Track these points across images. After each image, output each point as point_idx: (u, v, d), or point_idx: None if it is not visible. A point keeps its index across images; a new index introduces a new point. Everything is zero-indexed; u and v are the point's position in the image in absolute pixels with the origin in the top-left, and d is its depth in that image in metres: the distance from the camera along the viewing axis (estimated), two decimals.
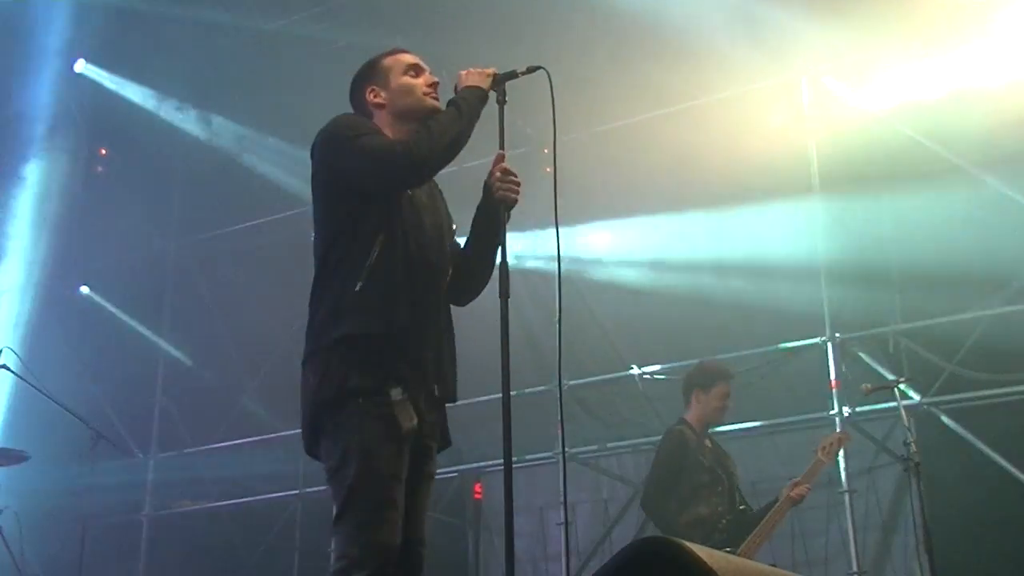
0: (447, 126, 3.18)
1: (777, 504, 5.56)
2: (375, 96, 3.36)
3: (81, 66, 9.19)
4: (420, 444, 3.13)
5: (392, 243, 3.13)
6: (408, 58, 3.41)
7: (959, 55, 6.89)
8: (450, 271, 3.34)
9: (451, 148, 3.18)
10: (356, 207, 3.17)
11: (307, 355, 3.14)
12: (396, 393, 3.03)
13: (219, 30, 8.67)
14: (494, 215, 3.29)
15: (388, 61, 3.41)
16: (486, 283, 3.37)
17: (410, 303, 3.11)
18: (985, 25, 6.75)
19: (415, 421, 3.05)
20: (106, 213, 9.65)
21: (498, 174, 3.31)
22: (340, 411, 3.02)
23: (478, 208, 3.39)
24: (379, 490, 2.96)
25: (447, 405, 3.29)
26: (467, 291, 3.42)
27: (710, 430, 5.99)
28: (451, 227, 3.43)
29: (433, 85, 3.36)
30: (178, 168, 9.84)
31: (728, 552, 5.25)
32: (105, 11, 8.93)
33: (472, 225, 3.42)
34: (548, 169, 6.96)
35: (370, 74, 3.40)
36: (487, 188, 3.35)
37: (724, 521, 5.58)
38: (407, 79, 3.35)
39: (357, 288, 3.06)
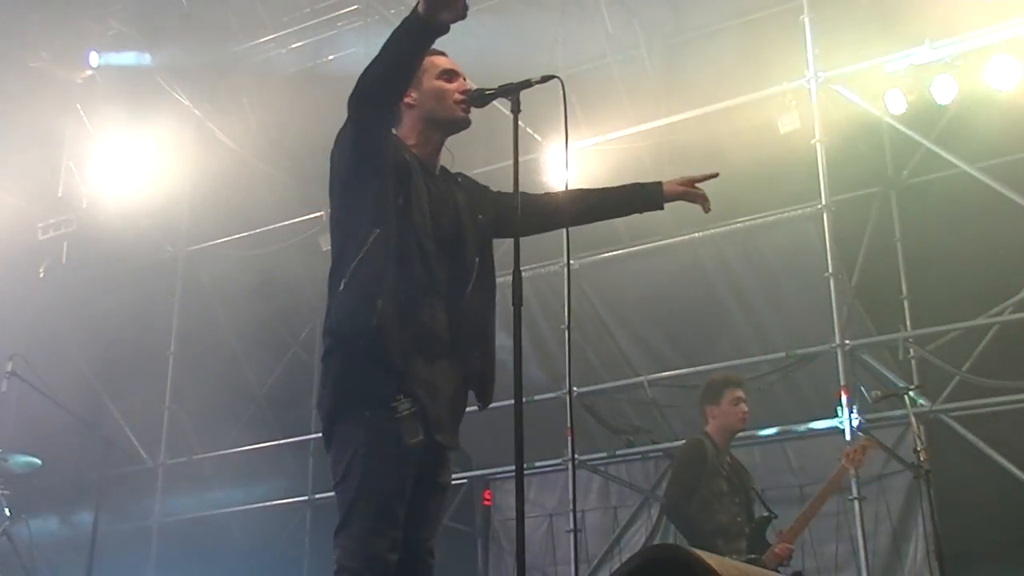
0: (382, 52, 3.05)
1: (812, 499, 5.62)
2: (406, 96, 3.25)
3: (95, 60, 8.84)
4: (436, 454, 3.09)
5: (385, 241, 3.05)
6: (444, 62, 3.32)
7: (968, 59, 6.87)
8: (478, 263, 3.25)
9: (389, 71, 3.04)
10: (352, 203, 3.13)
11: (322, 358, 3.12)
12: (404, 407, 2.97)
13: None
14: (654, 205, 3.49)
15: (423, 61, 3.26)
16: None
17: (400, 303, 3.01)
18: (995, 30, 6.74)
19: (421, 436, 2.99)
20: None
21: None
22: (347, 422, 3.00)
23: (646, 192, 3.50)
24: (379, 505, 2.94)
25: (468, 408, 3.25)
26: (534, 227, 3.41)
27: (733, 440, 6.01)
28: (476, 217, 3.32)
29: (466, 92, 3.26)
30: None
31: (753, 559, 5.29)
32: None
33: (626, 194, 3.52)
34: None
35: None
36: (678, 194, 3.48)
37: (748, 528, 5.59)
38: (440, 83, 3.27)
39: (340, 287, 3.03)
